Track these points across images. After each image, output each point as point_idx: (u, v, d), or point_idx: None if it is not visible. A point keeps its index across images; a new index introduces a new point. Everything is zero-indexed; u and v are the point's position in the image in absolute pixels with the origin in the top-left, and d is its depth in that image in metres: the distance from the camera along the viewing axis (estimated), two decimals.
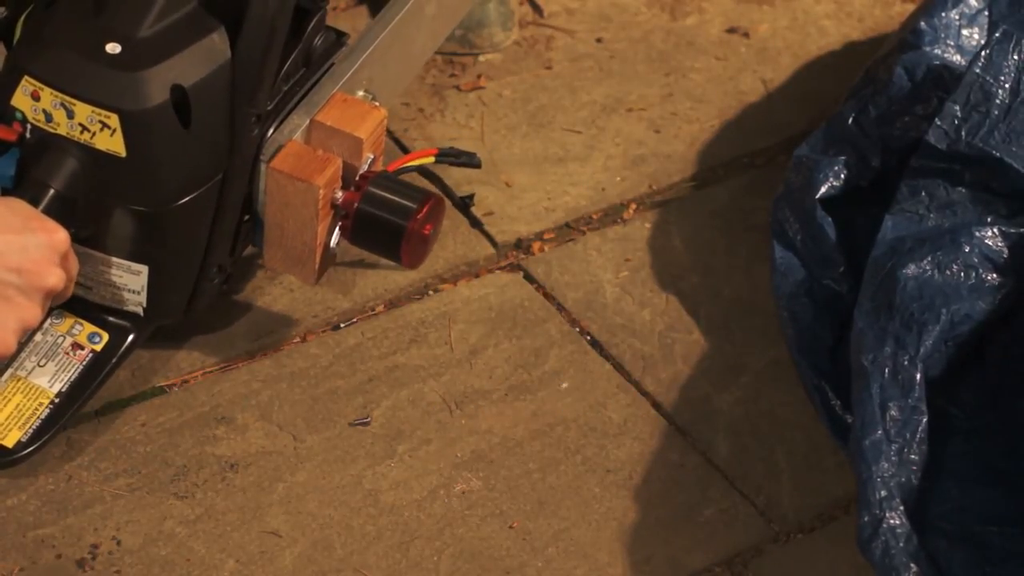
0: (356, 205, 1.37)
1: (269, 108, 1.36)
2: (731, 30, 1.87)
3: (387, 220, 1.37)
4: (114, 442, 1.39)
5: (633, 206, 1.66)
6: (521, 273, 1.57)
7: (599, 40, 1.84)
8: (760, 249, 1.59)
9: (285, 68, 1.37)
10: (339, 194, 1.38)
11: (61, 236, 1.20)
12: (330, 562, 1.33)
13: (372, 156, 1.41)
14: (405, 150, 1.65)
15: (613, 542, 1.36)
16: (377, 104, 1.44)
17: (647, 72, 1.81)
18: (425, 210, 1.37)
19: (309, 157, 1.36)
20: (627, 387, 1.48)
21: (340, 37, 1.45)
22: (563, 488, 1.40)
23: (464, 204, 1.52)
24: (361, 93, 1.45)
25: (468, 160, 1.52)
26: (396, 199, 1.37)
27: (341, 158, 1.38)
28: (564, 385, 1.48)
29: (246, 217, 1.39)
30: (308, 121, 1.39)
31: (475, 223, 1.61)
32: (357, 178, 1.39)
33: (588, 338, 1.52)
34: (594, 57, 1.82)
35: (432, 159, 1.50)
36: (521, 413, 1.45)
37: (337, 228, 1.39)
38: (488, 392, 1.47)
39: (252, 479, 1.38)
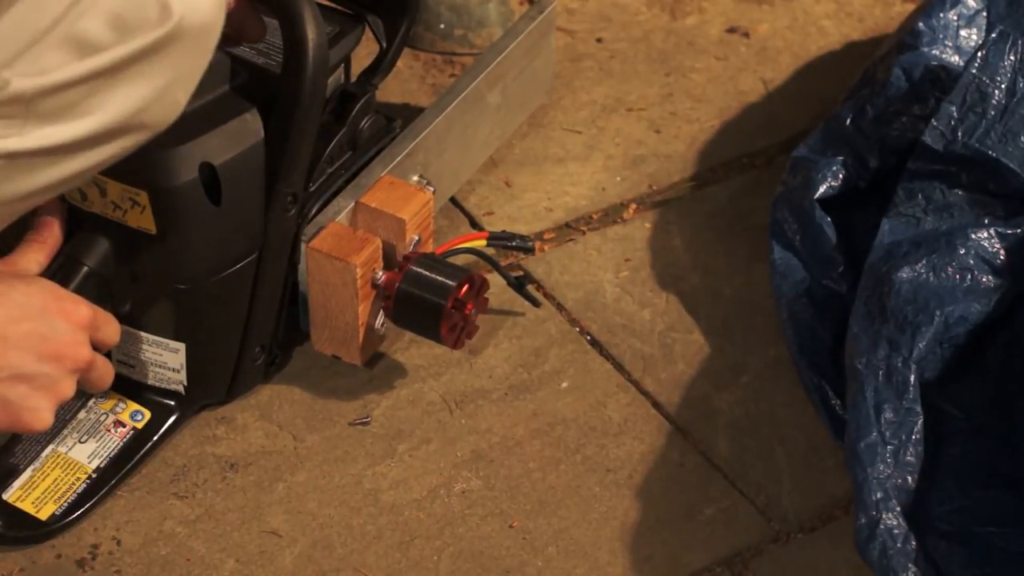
0: (397, 285, 1.37)
1: (312, 189, 1.38)
2: (731, 30, 1.87)
3: (425, 299, 1.37)
4: None
5: (633, 206, 1.66)
6: (521, 273, 1.57)
7: (599, 40, 1.84)
8: (760, 249, 1.59)
9: (329, 150, 1.39)
10: (380, 274, 1.39)
11: (81, 312, 1.20)
12: (330, 562, 1.33)
13: (418, 238, 1.42)
14: None
15: (613, 541, 1.36)
16: (431, 188, 1.44)
17: (647, 72, 1.81)
18: (464, 289, 1.38)
19: (349, 237, 1.37)
20: (627, 387, 1.48)
21: (391, 123, 1.47)
22: (563, 488, 1.40)
23: (519, 284, 1.50)
24: (415, 179, 1.47)
25: (521, 244, 1.50)
26: (435, 277, 1.37)
27: (383, 239, 1.39)
28: (564, 385, 1.48)
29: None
30: (353, 203, 1.40)
31: (473, 223, 1.62)
32: (400, 259, 1.39)
33: (588, 338, 1.52)
34: (594, 57, 1.82)
35: (484, 243, 1.48)
36: (521, 413, 1.45)
37: (381, 309, 1.40)
38: (488, 392, 1.47)
39: (252, 479, 1.38)
